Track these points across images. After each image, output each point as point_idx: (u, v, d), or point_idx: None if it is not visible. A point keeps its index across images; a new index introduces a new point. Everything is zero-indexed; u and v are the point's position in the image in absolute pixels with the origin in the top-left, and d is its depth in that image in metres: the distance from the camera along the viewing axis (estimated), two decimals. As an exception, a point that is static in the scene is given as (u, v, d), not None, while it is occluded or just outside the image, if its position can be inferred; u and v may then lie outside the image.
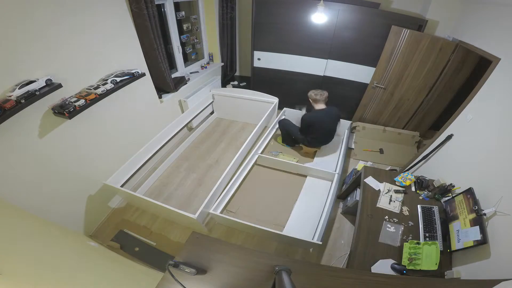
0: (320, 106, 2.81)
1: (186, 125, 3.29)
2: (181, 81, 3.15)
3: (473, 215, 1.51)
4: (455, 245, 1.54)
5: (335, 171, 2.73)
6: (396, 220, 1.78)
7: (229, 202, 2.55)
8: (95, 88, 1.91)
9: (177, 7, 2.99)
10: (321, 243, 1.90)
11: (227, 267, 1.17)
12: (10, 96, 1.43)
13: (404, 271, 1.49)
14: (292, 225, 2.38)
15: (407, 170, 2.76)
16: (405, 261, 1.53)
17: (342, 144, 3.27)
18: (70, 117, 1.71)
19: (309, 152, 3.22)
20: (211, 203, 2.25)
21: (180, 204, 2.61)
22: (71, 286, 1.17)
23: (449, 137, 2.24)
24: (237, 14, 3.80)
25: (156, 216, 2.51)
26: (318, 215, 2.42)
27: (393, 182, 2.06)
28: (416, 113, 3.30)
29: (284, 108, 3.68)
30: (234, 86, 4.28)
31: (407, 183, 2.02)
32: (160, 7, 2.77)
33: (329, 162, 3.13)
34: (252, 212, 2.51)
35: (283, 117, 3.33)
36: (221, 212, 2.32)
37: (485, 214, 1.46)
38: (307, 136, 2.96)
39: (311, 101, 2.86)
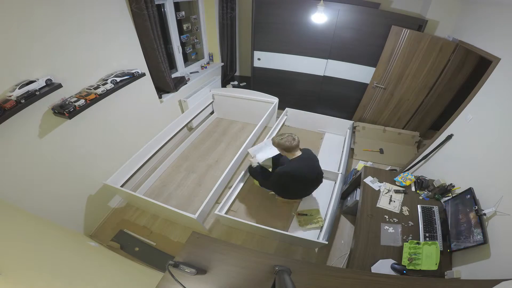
0: (295, 153, 2.10)
1: (186, 125, 3.30)
2: (181, 81, 3.15)
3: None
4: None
5: (338, 171, 2.73)
6: (396, 220, 1.78)
7: (233, 203, 2.55)
8: (95, 88, 1.91)
9: (177, 7, 2.99)
10: (327, 242, 1.89)
11: (227, 267, 1.17)
12: (10, 96, 1.43)
13: (404, 271, 1.49)
14: (296, 225, 2.38)
15: (407, 170, 2.76)
16: (405, 261, 1.53)
17: (344, 144, 3.27)
18: (70, 117, 1.71)
19: (289, 202, 2.52)
20: (211, 203, 2.24)
21: (180, 204, 2.61)
22: (71, 286, 1.17)
23: (449, 137, 2.24)
24: (237, 14, 3.80)
25: (156, 216, 2.51)
26: (322, 214, 2.42)
27: (393, 182, 2.06)
28: (416, 113, 3.30)
29: (286, 109, 3.67)
30: (234, 86, 4.28)
31: (407, 183, 2.02)
32: (160, 7, 2.77)
33: (332, 162, 3.12)
34: (254, 211, 2.51)
35: (255, 163, 2.38)
36: (225, 213, 2.31)
37: (485, 214, 1.46)
38: (286, 193, 2.34)
39: (280, 150, 2.15)
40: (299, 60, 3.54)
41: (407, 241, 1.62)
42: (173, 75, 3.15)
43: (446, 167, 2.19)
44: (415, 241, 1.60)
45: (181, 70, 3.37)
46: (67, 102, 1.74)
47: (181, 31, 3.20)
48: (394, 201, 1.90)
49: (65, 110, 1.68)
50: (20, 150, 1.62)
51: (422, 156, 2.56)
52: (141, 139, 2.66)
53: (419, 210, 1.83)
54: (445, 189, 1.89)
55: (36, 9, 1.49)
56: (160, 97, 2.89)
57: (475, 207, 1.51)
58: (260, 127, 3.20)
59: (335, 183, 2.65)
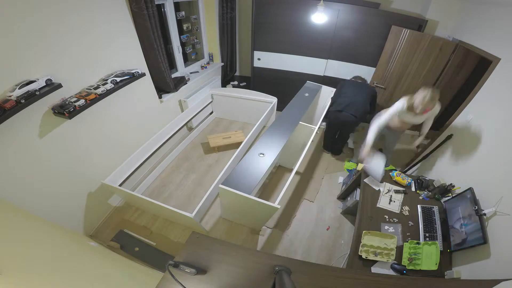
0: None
1: (185, 124, 3.29)
2: (181, 81, 3.15)
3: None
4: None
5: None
6: (396, 220, 1.78)
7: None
8: (95, 88, 1.91)
9: (177, 7, 2.99)
10: (278, 207, 1.72)
11: (227, 267, 1.17)
12: (10, 96, 1.43)
13: (404, 271, 1.49)
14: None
15: (407, 170, 2.76)
16: (405, 261, 1.53)
17: None
18: (70, 117, 1.71)
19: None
20: (209, 202, 2.23)
21: (180, 204, 2.61)
22: (71, 286, 1.17)
23: (449, 137, 2.24)
24: (237, 14, 3.80)
25: (156, 216, 2.51)
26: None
27: (393, 183, 2.06)
28: (416, 113, 3.30)
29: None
30: (234, 86, 4.28)
31: (400, 180, 2.03)
32: (160, 7, 2.77)
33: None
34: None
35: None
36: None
37: (485, 214, 1.46)
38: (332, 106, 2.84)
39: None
40: (299, 60, 3.55)
41: (407, 241, 1.62)
42: (173, 75, 3.15)
43: (446, 167, 2.19)
44: (415, 241, 1.60)
45: (181, 70, 3.37)
46: (67, 102, 1.74)
47: (181, 31, 3.20)
48: (394, 201, 1.90)
49: (65, 110, 1.68)
50: (20, 150, 1.62)
51: (422, 156, 2.56)
52: (141, 139, 2.66)
53: (419, 210, 1.83)
54: (445, 189, 1.89)
55: (36, 9, 1.49)
56: (160, 97, 2.89)
57: (475, 207, 1.51)
58: (258, 126, 3.19)
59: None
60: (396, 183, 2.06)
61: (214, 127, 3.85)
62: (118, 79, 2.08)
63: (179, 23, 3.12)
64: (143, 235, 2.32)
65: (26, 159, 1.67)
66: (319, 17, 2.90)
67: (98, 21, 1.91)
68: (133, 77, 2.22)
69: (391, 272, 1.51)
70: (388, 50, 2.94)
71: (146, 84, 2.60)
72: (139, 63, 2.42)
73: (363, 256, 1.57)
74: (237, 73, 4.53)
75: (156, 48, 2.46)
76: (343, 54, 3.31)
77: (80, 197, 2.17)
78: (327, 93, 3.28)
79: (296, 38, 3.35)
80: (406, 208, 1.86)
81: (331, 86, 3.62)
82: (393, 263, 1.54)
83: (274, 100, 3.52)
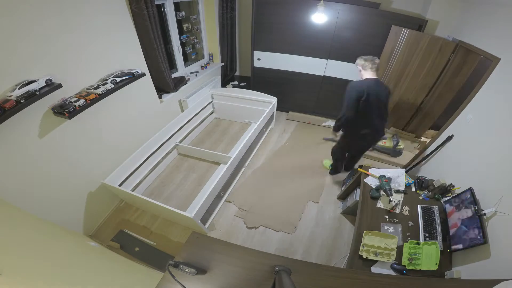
0: (369, 75, 2.10)
1: (185, 124, 3.29)
2: (181, 81, 3.15)
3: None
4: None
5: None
6: (396, 220, 1.78)
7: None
8: (95, 88, 1.91)
9: (177, 7, 2.99)
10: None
11: (227, 267, 1.17)
12: (10, 96, 1.43)
13: (404, 271, 1.49)
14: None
15: (408, 170, 2.76)
16: (405, 261, 1.53)
17: None
18: (70, 117, 1.71)
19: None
20: (209, 202, 2.23)
21: (180, 204, 2.61)
22: (71, 286, 1.17)
23: (450, 137, 2.23)
24: (237, 14, 3.80)
25: (156, 216, 2.51)
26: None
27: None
28: (416, 113, 3.30)
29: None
30: (234, 86, 4.28)
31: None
32: (160, 7, 2.77)
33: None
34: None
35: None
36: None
37: (485, 214, 1.46)
38: (352, 119, 2.18)
39: (359, 68, 2.17)
40: (299, 60, 3.54)
41: (407, 241, 1.62)
42: (173, 75, 3.15)
43: (446, 167, 2.19)
44: (415, 241, 1.60)
45: (181, 70, 3.37)
46: (67, 102, 1.74)
47: (181, 31, 3.20)
48: (394, 201, 1.90)
49: (65, 110, 1.68)
50: (20, 150, 1.62)
51: (422, 157, 2.56)
52: (141, 139, 2.66)
53: (419, 210, 1.83)
54: (445, 189, 1.89)
55: (37, 10, 1.49)
56: (160, 97, 2.89)
57: (475, 207, 1.51)
58: (258, 126, 3.20)
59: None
60: (396, 183, 2.05)
61: (214, 127, 3.85)
62: (118, 79, 2.08)
63: (179, 23, 3.12)
64: (143, 235, 2.32)
65: (26, 159, 1.67)
66: (319, 17, 2.90)
67: (98, 21, 1.91)
68: (133, 77, 2.22)
69: (391, 272, 1.51)
70: (387, 50, 2.94)
71: (146, 84, 2.60)
72: (139, 63, 2.42)
73: (364, 256, 1.57)
74: (237, 73, 4.53)
75: (156, 48, 2.46)
76: (343, 54, 3.31)
77: (80, 197, 2.17)
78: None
79: (296, 38, 3.35)
80: (406, 208, 1.86)
81: (330, 86, 3.64)
82: (393, 263, 1.54)
83: (274, 100, 3.52)
